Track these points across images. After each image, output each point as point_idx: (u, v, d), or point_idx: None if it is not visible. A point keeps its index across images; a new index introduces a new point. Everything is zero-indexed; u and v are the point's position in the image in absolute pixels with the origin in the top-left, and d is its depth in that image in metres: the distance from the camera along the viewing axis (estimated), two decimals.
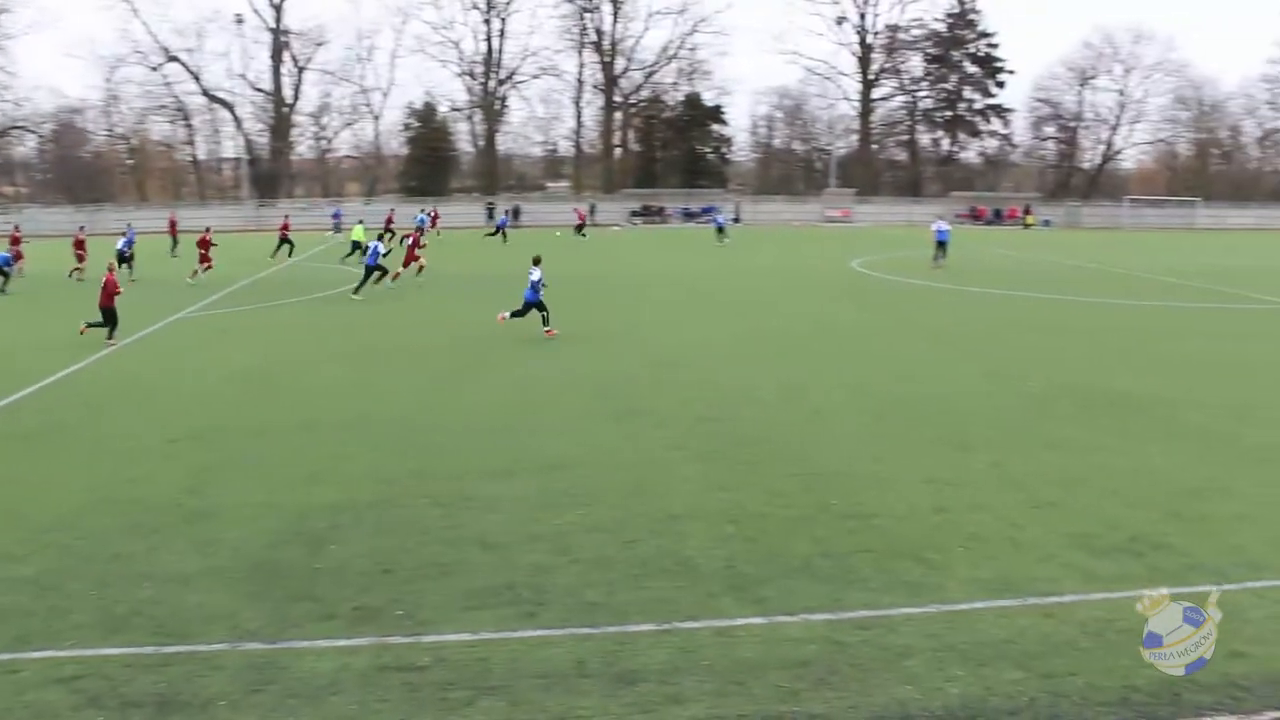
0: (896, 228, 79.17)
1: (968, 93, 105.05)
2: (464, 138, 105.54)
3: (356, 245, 42.70)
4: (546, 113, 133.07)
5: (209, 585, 9.02)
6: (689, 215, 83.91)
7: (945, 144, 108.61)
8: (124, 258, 36.65)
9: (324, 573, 9.31)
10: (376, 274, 32.01)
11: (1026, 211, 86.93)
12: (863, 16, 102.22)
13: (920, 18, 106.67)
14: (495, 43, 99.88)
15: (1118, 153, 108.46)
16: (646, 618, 8.33)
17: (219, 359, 20.84)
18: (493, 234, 60.08)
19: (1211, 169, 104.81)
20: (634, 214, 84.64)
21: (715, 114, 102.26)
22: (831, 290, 34.01)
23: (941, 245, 42.70)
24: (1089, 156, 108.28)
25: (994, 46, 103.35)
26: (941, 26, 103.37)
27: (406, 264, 35.00)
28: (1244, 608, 8.61)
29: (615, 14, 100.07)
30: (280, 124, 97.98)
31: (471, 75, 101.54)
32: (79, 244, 39.02)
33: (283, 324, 26.06)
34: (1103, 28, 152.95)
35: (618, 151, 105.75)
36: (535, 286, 23.29)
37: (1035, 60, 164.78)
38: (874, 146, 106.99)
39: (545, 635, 8.04)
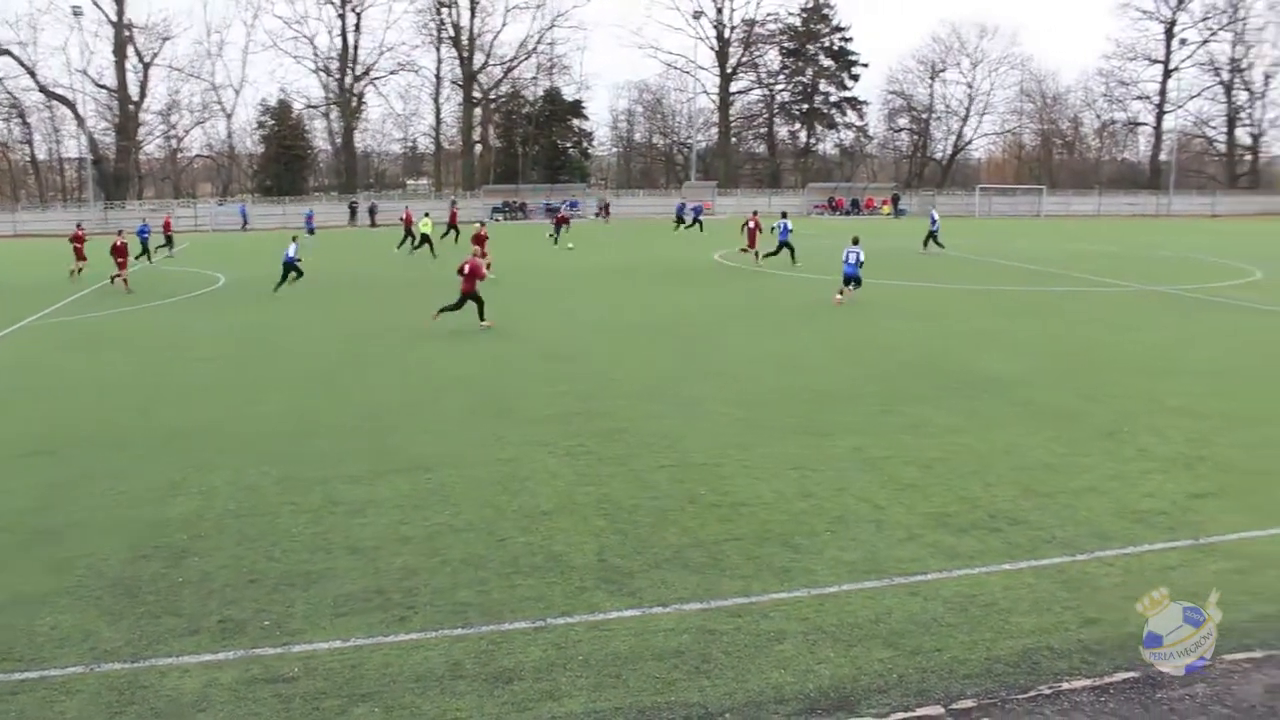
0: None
1: (823, 86, 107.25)
2: (321, 136, 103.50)
3: (425, 238, 45.42)
4: (405, 109, 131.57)
5: (63, 606, 8.64)
6: (551, 210, 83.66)
7: (803, 136, 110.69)
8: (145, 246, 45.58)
9: (186, 586, 9.02)
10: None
11: (896, 200, 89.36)
12: (719, 10, 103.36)
13: (776, 12, 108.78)
14: (351, 38, 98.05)
15: (968, 143, 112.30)
16: (520, 615, 8.30)
17: (75, 366, 20.04)
18: (689, 225, 61.20)
19: (1055, 158, 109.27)
20: (496, 210, 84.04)
21: (576, 109, 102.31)
22: (693, 282, 34.32)
23: (933, 235, 46.54)
24: (941, 147, 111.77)
25: (847, 40, 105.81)
26: (797, 21, 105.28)
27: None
28: (1095, 577, 9.01)
29: (473, 9, 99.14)
30: (126, 122, 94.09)
31: (327, 72, 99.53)
32: (78, 240, 39.32)
33: (146, 328, 25.15)
34: (950, 22, 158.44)
35: (478, 148, 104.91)
36: (856, 262, 27.40)
37: (887, 54, 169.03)
38: (733, 139, 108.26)
39: (418, 638, 7.94)
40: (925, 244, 46.42)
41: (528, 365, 19.35)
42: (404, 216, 51.72)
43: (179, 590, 8.94)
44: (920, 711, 6.79)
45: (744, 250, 41.23)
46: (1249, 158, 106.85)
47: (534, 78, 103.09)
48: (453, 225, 53.08)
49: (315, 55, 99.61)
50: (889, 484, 11.71)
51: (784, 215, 41.40)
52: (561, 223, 56.40)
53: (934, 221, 47.44)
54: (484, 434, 14.27)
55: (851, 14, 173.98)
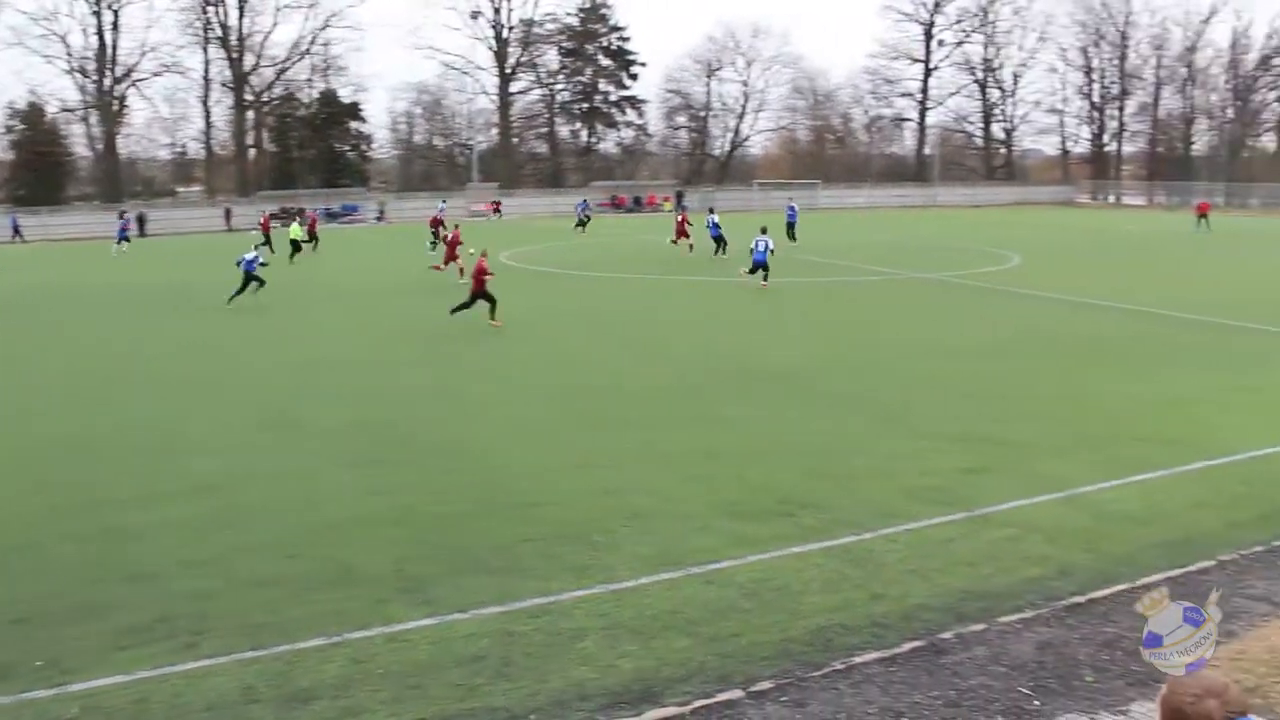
0: (541, 219, 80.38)
1: (603, 85, 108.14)
2: (80, 141, 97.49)
3: (295, 244, 44.45)
4: (172, 113, 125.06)
5: None
6: (331, 215, 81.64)
7: (584, 135, 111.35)
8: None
9: None
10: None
11: (680, 197, 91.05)
12: (497, 11, 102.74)
13: (554, 12, 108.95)
14: (108, 37, 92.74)
15: (745, 139, 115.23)
16: (315, 632, 8.03)
17: None
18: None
19: (828, 153, 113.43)
20: (274, 216, 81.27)
21: (353, 111, 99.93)
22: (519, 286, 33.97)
23: (791, 226, 47.59)
24: (719, 144, 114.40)
25: (625, 40, 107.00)
26: (575, 20, 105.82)
27: (447, 263, 34.60)
28: (880, 553, 9.41)
29: (241, 8, 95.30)
30: None
31: (83, 73, 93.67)
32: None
33: None
34: (725, 22, 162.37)
35: (252, 152, 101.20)
36: (766, 250, 29.43)
37: (665, 53, 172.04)
38: (515, 140, 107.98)
39: (208, 665, 7.57)
40: (792, 237, 46.74)
41: (316, 377, 18.80)
42: (261, 223, 52.53)
43: None
44: (721, 697, 6.92)
45: (673, 241, 42.60)
46: (1004, 151, 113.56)
47: (308, 79, 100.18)
48: (312, 233, 53.34)
49: (69, 55, 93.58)
50: (683, 476, 11.91)
51: (711, 211, 43.71)
52: (437, 225, 55.44)
53: (792, 213, 48.51)
54: (274, 448, 13.80)
55: (629, 14, 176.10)
